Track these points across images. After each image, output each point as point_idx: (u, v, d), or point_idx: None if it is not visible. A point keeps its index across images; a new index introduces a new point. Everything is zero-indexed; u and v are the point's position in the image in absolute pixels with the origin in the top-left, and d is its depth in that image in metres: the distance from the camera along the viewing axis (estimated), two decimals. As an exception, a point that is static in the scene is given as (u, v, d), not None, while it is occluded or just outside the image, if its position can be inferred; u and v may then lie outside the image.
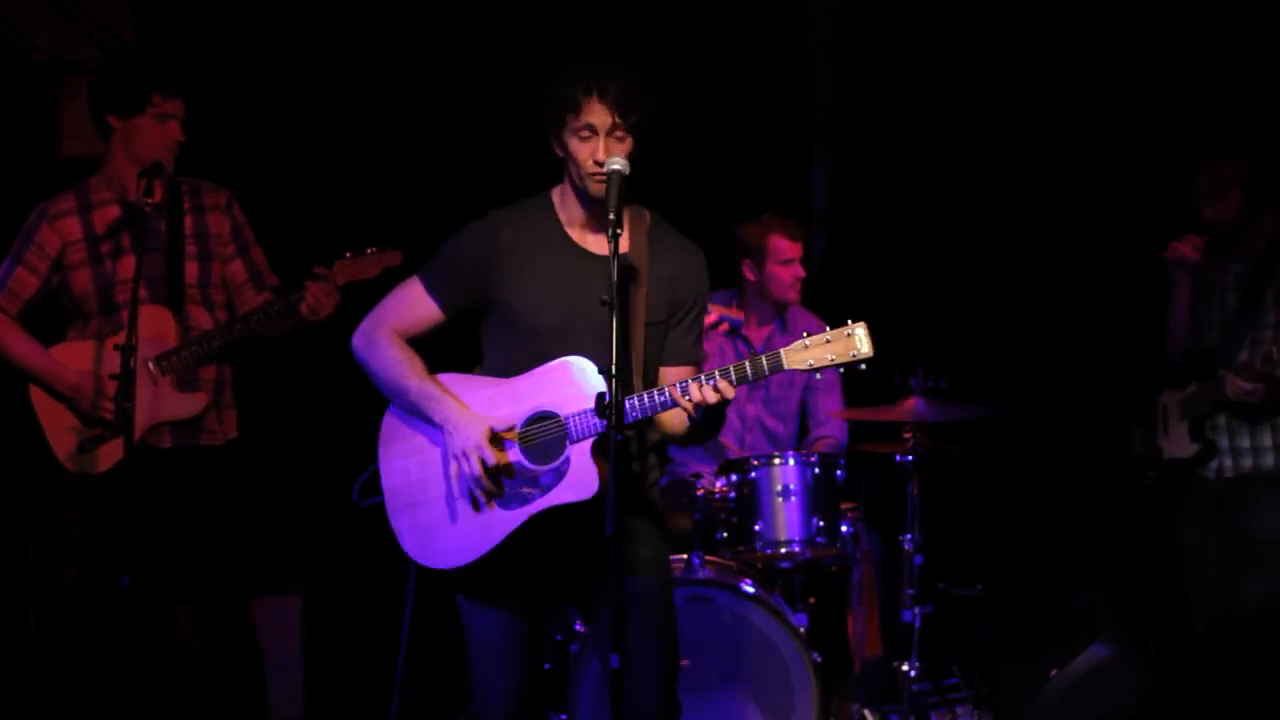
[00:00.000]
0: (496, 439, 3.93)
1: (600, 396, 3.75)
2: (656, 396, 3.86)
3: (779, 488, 5.57)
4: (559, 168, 4.05)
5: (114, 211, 5.21)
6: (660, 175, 4.13)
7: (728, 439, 6.19)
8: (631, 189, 3.92)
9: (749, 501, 5.59)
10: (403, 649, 5.35)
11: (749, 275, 6.14)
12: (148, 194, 5.00)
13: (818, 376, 3.90)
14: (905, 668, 5.78)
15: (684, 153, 7.00)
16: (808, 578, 5.74)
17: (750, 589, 5.36)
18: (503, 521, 3.94)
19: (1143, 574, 6.29)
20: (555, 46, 6.56)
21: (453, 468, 3.96)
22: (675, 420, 4.03)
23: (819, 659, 5.33)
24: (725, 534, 5.62)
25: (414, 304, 4.07)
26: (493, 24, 6.74)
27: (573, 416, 3.89)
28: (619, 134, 3.91)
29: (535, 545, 3.96)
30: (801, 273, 6.11)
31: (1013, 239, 6.84)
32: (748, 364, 3.83)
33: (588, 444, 3.88)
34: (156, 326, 5.11)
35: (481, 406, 3.97)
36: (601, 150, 3.91)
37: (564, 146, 3.96)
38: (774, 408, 6.20)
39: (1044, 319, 6.78)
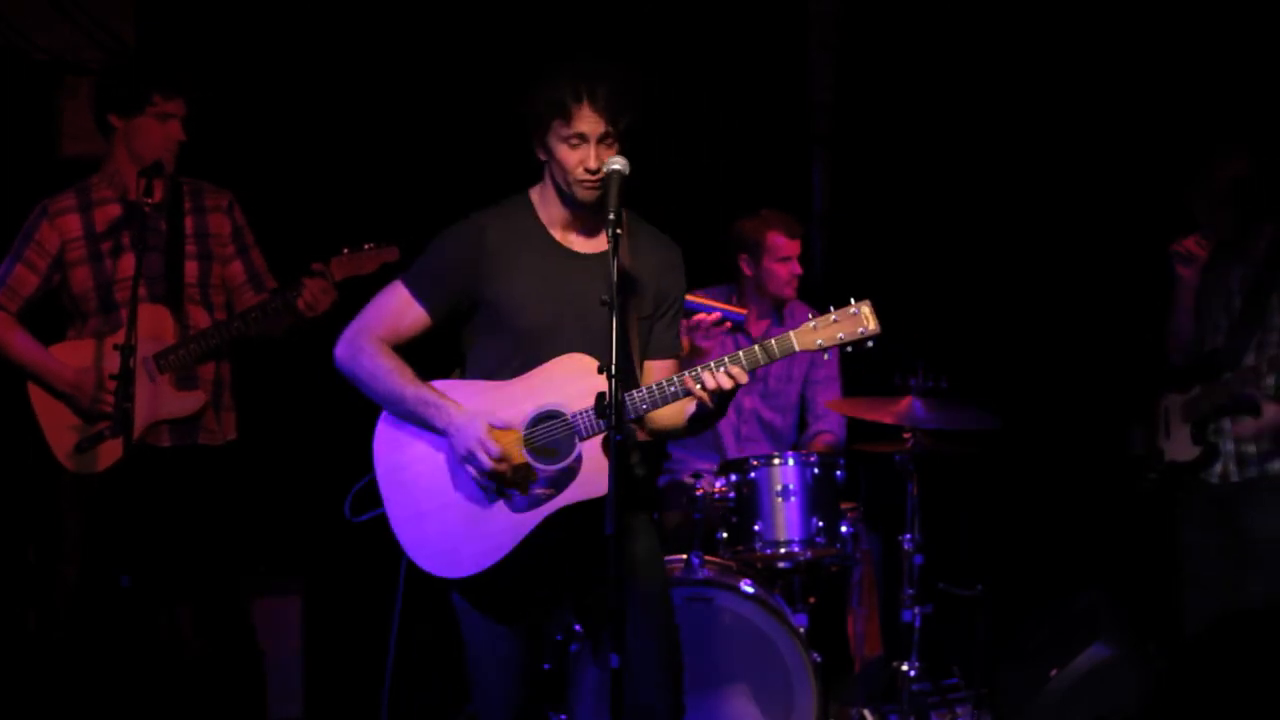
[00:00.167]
0: (499, 435, 3.91)
1: (600, 396, 3.74)
2: (668, 387, 3.87)
3: (779, 488, 5.57)
4: (534, 158, 4.04)
5: (115, 210, 5.22)
6: (660, 175, 4.13)
7: (724, 433, 6.18)
8: (631, 189, 3.92)
9: (749, 501, 5.59)
10: (391, 650, 5.34)
11: (746, 270, 6.14)
12: (148, 194, 5.01)
13: (825, 356, 3.89)
14: (905, 668, 5.77)
15: (684, 153, 7.00)
16: (808, 578, 5.74)
17: (750, 589, 5.35)
18: (518, 524, 3.92)
19: (1143, 574, 6.29)
20: (554, 45, 6.57)
21: (470, 470, 3.91)
22: (673, 414, 4.02)
23: (819, 659, 5.33)
24: (725, 534, 5.62)
25: (400, 310, 4.03)
26: (491, 21, 6.74)
27: (580, 414, 3.88)
28: (609, 140, 3.92)
29: (546, 546, 3.94)
30: (799, 269, 6.11)
31: (1013, 238, 6.84)
32: (758, 349, 3.85)
33: (598, 440, 3.87)
34: (155, 325, 5.11)
35: (481, 409, 3.94)
36: (593, 158, 3.91)
37: (550, 151, 3.96)
38: (772, 401, 6.20)
39: (1043, 319, 6.78)
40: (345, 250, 5.21)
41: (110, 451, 5.03)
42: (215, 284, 5.31)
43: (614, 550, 3.65)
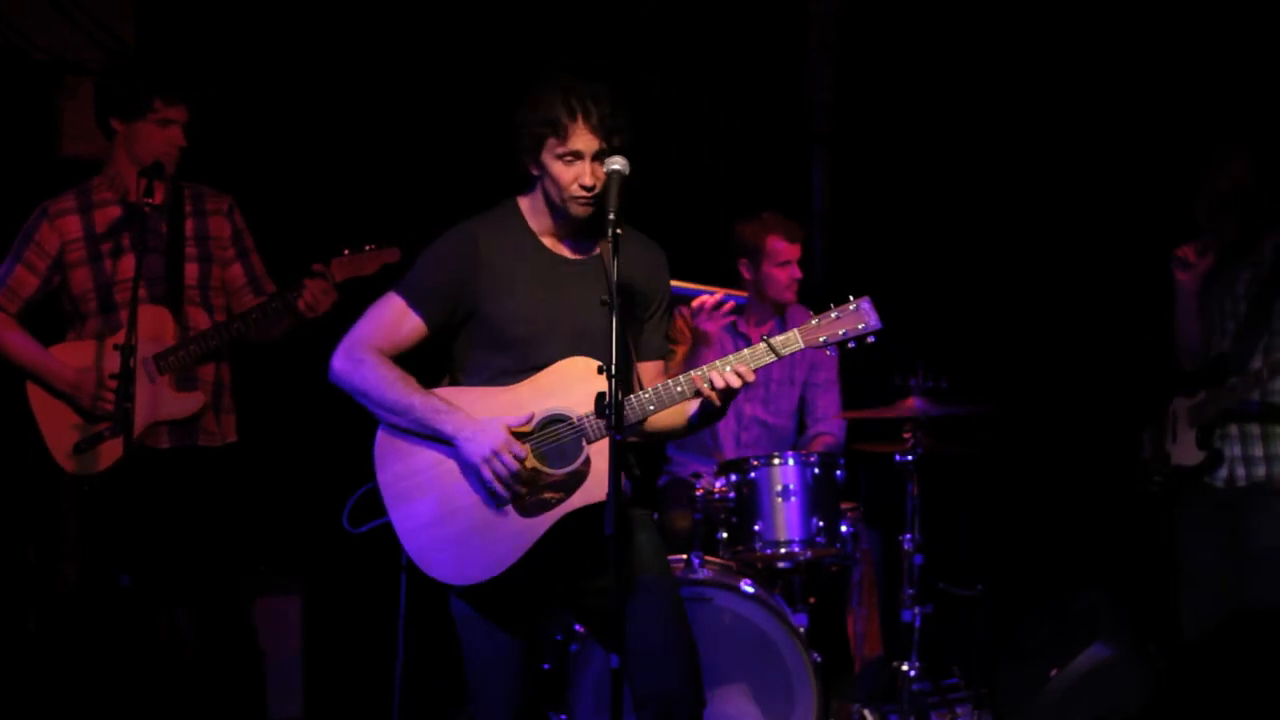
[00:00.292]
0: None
1: (600, 396, 3.75)
2: (674, 388, 3.89)
3: (779, 488, 5.57)
4: (522, 171, 4.05)
5: (115, 211, 5.22)
6: (660, 175, 4.14)
7: (725, 438, 6.18)
8: (631, 189, 3.93)
9: (749, 501, 5.59)
10: (400, 657, 5.34)
11: (746, 274, 6.14)
12: (148, 195, 5.01)
13: (829, 353, 3.92)
14: (905, 668, 5.78)
15: (684, 153, 7.00)
16: (808, 578, 5.74)
17: (750, 589, 5.36)
18: (529, 529, 3.91)
19: (1143, 574, 6.29)
20: (553, 46, 6.57)
21: (488, 474, 3.88)
22: (673, 416, 4.03)
23: (819, 659, 5.33)
24: (725, 534, 5.62)
25: (397, 321, 4.02)
26: (490, 22, 6.74)
27: (587, 417, 3.89)
28: (603, 157, 3.93)
29: (553, 550, 3.93)
30: (798, 274, 6.10)
31: (1013, 239, 6.83)
32: (763, 346, 3.89)
33: (605, 443, 3.86)
34: (155, 326, 5.11)
35: (486, 416, 3.94)
36: (588, 175, 3.93)
37: (543, 167, 3.97)
38: (772, 406, 6.20)
39: (1043, 319, 6.78)
40: (346, 251, 5.21)
41: (110, 452, 5.03)
42: (215, 286, 5.31)
43: (614, 550, 3.65)
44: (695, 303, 5.65)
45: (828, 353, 3.92)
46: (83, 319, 5.20)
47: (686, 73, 7.00)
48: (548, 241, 4.07)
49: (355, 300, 5.02)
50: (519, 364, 3.98)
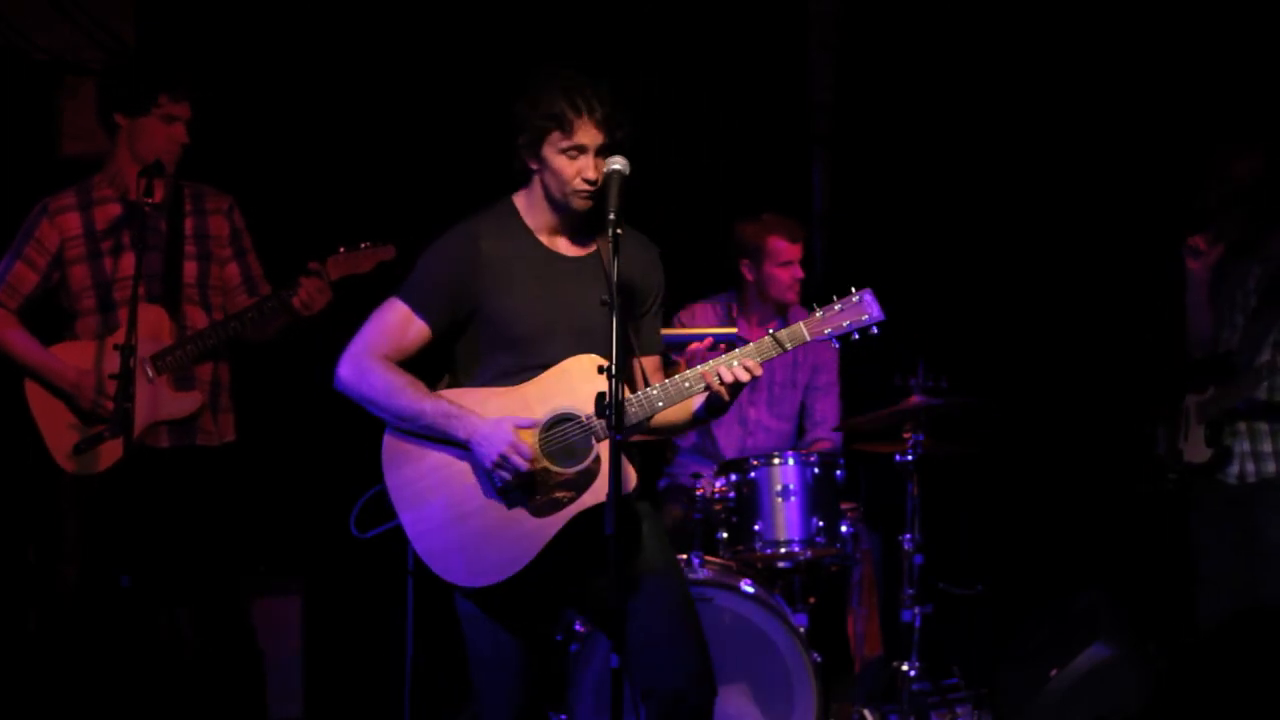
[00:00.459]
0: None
1: (600, 396, 3.75)
2: (681, 383, 3.90)
3: (779, 488, 5.57)
4: (519, 166, 4.05)
5: (115, 209, 5.22)
6: (660, 176, 4.14)
7: (729, 446, 6.17)
8: (631, 189, 3.93)
9: (749, 501, 5.59)
10: (409, 659, 5.34)
11: (747, 275, 6.13)
12: (148, 194, 5.01)
13: (834, 344, 3.94)
14: (905, 668, 5.77)
15: (684, 153, 7.00)
16: (808, 578, 5.74)
17: (750, 589, 5.36)
18: (541, 529, 3.91)
19: (1143, 574, 6.29)
20: (552, 45, 6.57)
21: (503, 475, 3.88)
22: (678, 411, 4.02)
23: (819, 659, 5.33)
24: (725, 534, 5.62)
25: (402, 326, 4.01)
26: (488, 21, 6.73)
27: (596, 415, 3.88)
28: (605, 152, 3.94)
29: (566, 549, 3.93)
30: (800, 274, 6.10)
31: (1013, 239, 6.83)
32: (769, 340, 3.92)
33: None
34: (153, 325, 5.11)
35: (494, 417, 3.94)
36: (591, 169, 3.94)
37: (544, 161, 3.97)
38: (776, 409, 6.20)
39: (1043, 319, 6.78)
40: (341, 249, 5.21)
41: (110, 452, 5.03)
42: (214, 285, 5.31)
43: (614, 550, 3.65)
44: (688, 351, 5.64)
45: (834, 344, 3.93)
46: (81, 317, 5.20)
47: (686, 73, 7.00)
48: (545, 239, 4.07)
49: (351, 299, 5.03)
50: (521, 362, 3.98)
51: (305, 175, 6.54)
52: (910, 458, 5.81)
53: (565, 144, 3.93)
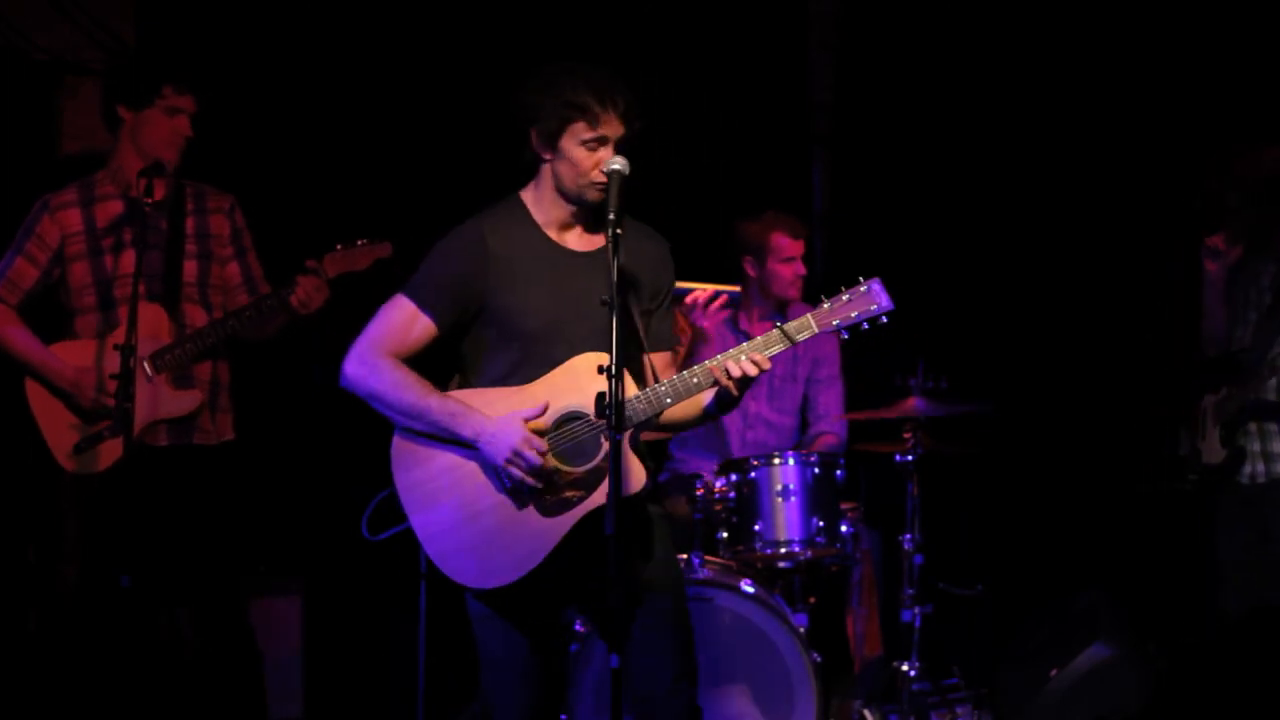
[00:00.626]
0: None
1: (600, 396, 3.74)
2: (690, 379, 3.87)
3: (779, 487, 5.57)
4: (528, 157, 4.03)
5: (116, 207, 5.22)
6: (660, 175, 4.13)
7: (730, 438, 6.18)
8: (631, 189, 3.92)
9: (749, 501, 5.59)
10: (421, 665, 5.33)
11: (750, 272, 6.13)
12: (147, 194, 5.01)
13: (843, 336, 3.90)
14: (905, 668, 5.78)
15: (684, 153, 7.00)
16: (808, 578, 5.74)
17: (750, 589, 5.36)
18: (552, 529, 3.90)
19: (1143, 574, 6.29)
20: (551, 45, 6.56)
21: (515, 473, 3.86)
22: (689, 407, 4.01)
23: (819, 659, 5.33)
24: (725, 534, 5.62)
25: (408, 324, 3.99)
26: (487, 19, 6.73)
27: (596, 415, 3.86)
28: (621, 144, 3.94)
29: (576, 548, 3.91)
30: (803, 270, 6.10)
31: (1013, 239, 6.84)
32: (777, 333, 3.87)
33: (625, 438, 3.84)
34: (152, 324, 5.11)
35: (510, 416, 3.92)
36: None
37: (561, 152, 3.95)
38: (777, 403, 6.20)
39: (1043, 319, 6.78)
40: (339, 246, 5.21)
41: (110, 451, 5.03)
42: (214, 284, 5.31)
43: (613, 550, 3.65)
44: (688, 299, 5.64)
45: (843, 335, 3.89)
46: (81, 314, 5.20)
47: (686, 73, 7.00)
48: (553, 234, 4.05)
49: (348, 296, 5.03)
50: (529, 360, 3.96)
51: (302, 173, 6.54)
52: (910, 458, 5.81)
53: (589, 135, 3.90)
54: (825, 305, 3.90)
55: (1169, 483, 5.54)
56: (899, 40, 7.02)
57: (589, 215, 4.02)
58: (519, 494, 3.91)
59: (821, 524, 5.56)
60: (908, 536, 5.83)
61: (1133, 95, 6.62)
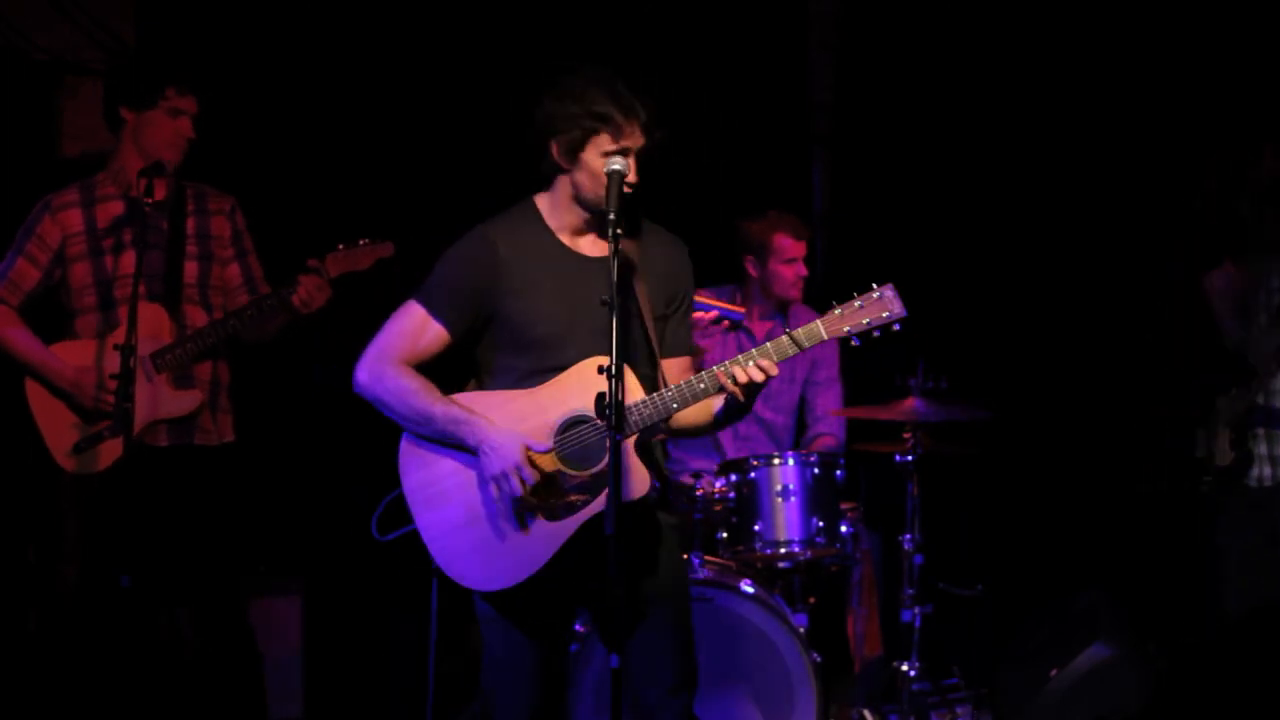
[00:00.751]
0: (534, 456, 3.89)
1: (600, 396, 3.74)
2: (697, 384, 3.85)
3: (779, 488, 5.56)
4: (546, 167, 4.02)
5: (117, 207, 5.22)
6: (660, 175, 4.13)
7: (723, 436, 6.17)
8: (640, 192, 3.92)
9: (749, 501, 5.59)
10: (431, 664, 5.33)
11: (752, 272, 6.13)
12: (148, 193, 5.01)
13: (854, 343, 3.86)
14: (905, 668, 5.77)
15: (684, 153, 6.99)
16: (808, 578, 5.74)
17: (750, 589, 5.36)
18: (555, 533, 3.89)
19: (1143, 574, 6.29)
20: (551, 45, 6.57)
21: (494, 489, 3.88)
22: (700, 412, 4.00)
23: (819, 659, 5.33)
24: (725, 534, 5.62)
25: (419, 330, 3.99)
26: (488, 20, 6.73)
27: (596, 416, 3.85)
28: (643, 155, 3.94)
29: (582, 551, 3.91)
30: (804, 271, 6.10)
31: (1013, 239, 6.83)
32: (787, 339, 3.83)
33: (630, 443, 3.85)
34: (153, 324, 5.11)
35: (508, 421, 3.91)
36: (632, 172, 3.91)
37: (580, 163, 3.92)
38: (773, 402, 6.20)
39: (1043, 319, 6.78)
40: (340, 246, 5.20)
41: (110, 451, 5.03)
42: (214, 285, 5.31)
43: (613, 550, 3.64)
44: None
45: (854, 342, 3.85)
46: (81, 315, 5.20)
47: (686, 73, 6.99)
48: (567, 239, 4.04)
49: (350, 296, 5.03)
50: (542, 364, 3.95)
51: (303, 173, 6.54)
52: (910, 458, 5.81)
53: (611, 146, 3.89)
54: (836, 311, 3.84)
55: (1169, 483, 5.54)
56: (899, 40, 7.01)
57: (603, 221, 3.99)
58: (517, 503, 3.91)
59: (821, 524, 5.56)
60: (908, 536, 5.83)
61: (1133, 96, 6.62)
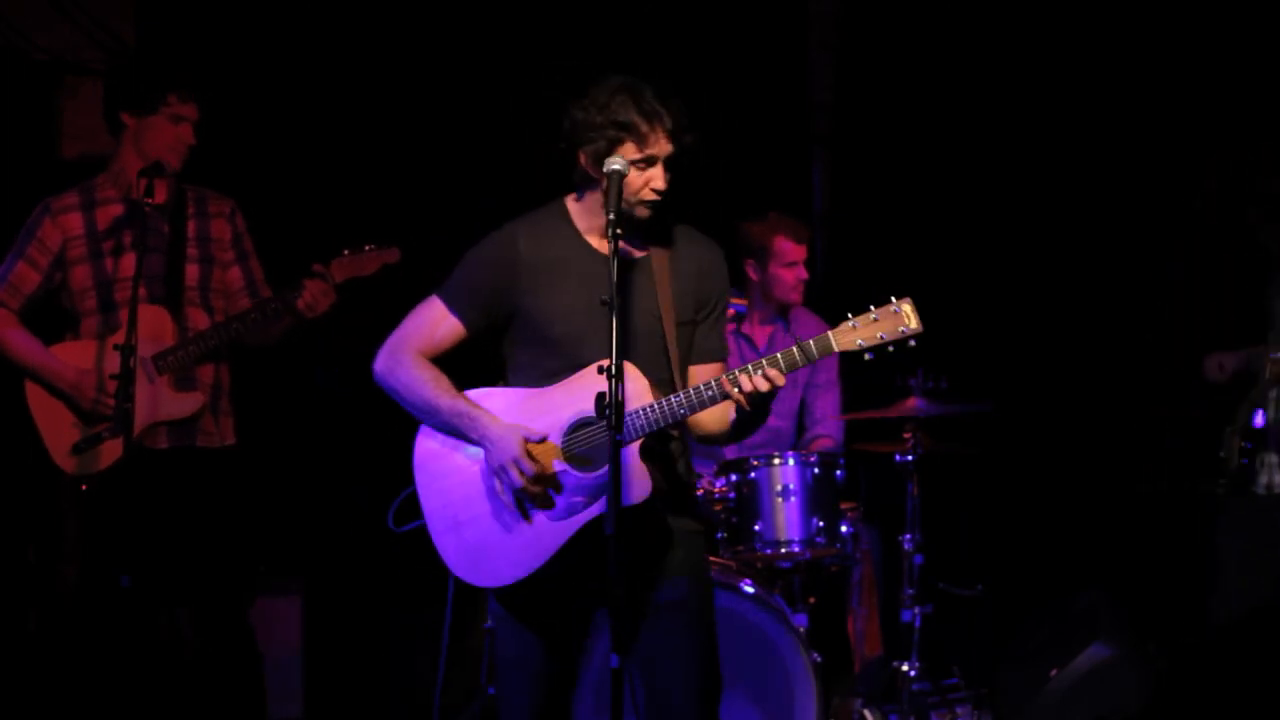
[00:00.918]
0: (535, 449, 3.88)
1: (600, 396, 3.73)
2: (705, 391, 3.83)
3: (779, 488, 5.56)
4: (562, 168, 4.01)
5: (117, 209, 5.22)
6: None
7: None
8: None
9: (749, 501, 5.59)
10: (442, 662, 5.33)
11: (752, 275, 6.13)
12: (148, 194, 5.01)
13: (867, 357, 3.81)
14: (905, 668, 5.78)
15: (683, 153, 6.98)
16: (808, 578, 5.74)
17: (750, 589, 5.35)
18: (555, 533, 3.89)
19: (1143, 574, 6.29)
20: (551, 46, 6.57)
21: (497, 482, 3.89)
22: (717, 419, 3.99)
23: (819, 659, 5.33)
24: (725, 534, 5.62)
25: (436, 323, 4.02)
26: (489, 22, 6.73)
27: (596, 417, 3.85)
28: (672, 162, 3.93)
29: (587, 551, 3.89)
30: (805, 274, 6.10)
31: (1013, 239, 6.84)
32: (796, 350, 3.79)
33: (636, 446, 3.84)
34: (154, 326, 5.11)
35: (517, 419, 3.92)
36: (660, 179, 3.92)
37: (605, 168, 3.91)
38: (776, 408, 6.18)
39: (1043, 319, 6.78)
40: (345, 251, 5.21)
41: (110, 452, 5.03)
42: (215, 288, 5.31)
43: (613, 550, 3.63)
44: None
45: (867, 356, 3.80)
46: (83, 317, 5.20)
47: (686, 73, 6.98)
48: (594, 241, 4.03)
49: (355, 301, 5.03)
50: (563, 364, 3.95)
51: (308, 177, 6.55)
52: (910, 458, 5.81)
53: (638, 155, 3.89)
54: (849, 322, 3.80)
55: (1169, 483, 5.55)
56: (899, 40, 7.02)
57: (637, 223, 3.98)
58: (520, 500, 3.91)
59: (821, 524, 5.56)
60: (908, 536, 5.83)
61: (1133, 96, 6.62)
